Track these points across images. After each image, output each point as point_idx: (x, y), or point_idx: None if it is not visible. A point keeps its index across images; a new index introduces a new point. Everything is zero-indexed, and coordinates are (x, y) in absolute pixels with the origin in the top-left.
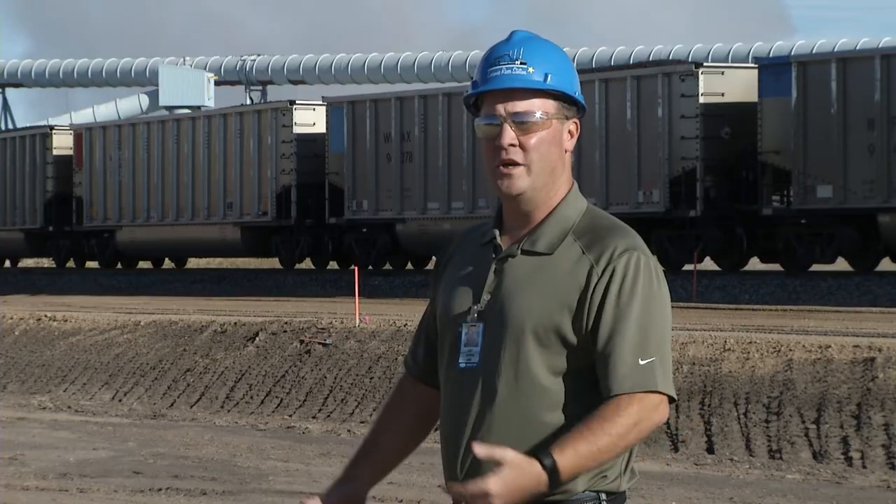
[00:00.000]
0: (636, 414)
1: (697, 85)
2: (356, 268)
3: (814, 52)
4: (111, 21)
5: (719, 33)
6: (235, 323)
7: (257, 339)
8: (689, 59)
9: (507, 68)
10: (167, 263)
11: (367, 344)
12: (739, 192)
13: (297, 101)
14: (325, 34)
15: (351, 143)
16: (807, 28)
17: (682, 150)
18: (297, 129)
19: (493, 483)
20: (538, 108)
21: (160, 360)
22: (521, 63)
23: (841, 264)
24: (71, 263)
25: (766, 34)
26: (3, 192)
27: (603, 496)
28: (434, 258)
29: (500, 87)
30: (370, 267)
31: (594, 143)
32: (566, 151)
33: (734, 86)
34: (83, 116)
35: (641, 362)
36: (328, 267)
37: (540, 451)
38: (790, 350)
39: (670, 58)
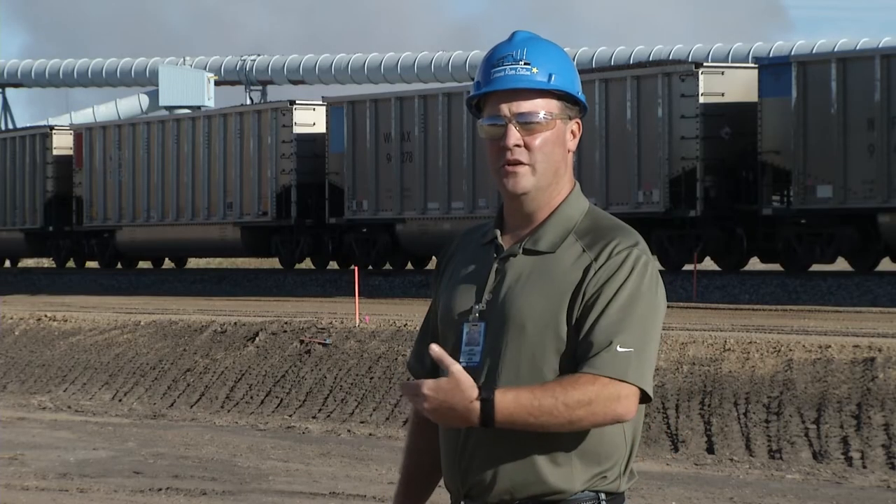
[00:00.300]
0: (593, 393)
1: (697, 85)
2: (356, 268)
3: (814, 52)
4: (111, 21)
5: (719, 33)
6: (235, 323)
7: (257, 339)
8: (689, 59)
9: (511, 69)
10: (167, 263)
11: (367, 344)
12: (739, 192)
13: (297, 101)
14: (325, 34)
15: (351, 143)
16: (807, 28)
17: (682, 150)
18: (297, 129)
19: (427, 385)
20: (542, 108)
21: (160, 360)
22: (525, 63)
23: (841, 264)
24: (71, 263)
25: (766, 34)
26: (3, 192)
27: (602, 496)
28: (434, 258)
29: (505, 87)
30: (370, 267)
31: (594, 143)
32: (569, 151)
33: (734, 86)
34: (83, 116)
35: (618, 349)
36: (328, 267)
37: (486, 386)
38: (790, 350)
39: (670, 58)
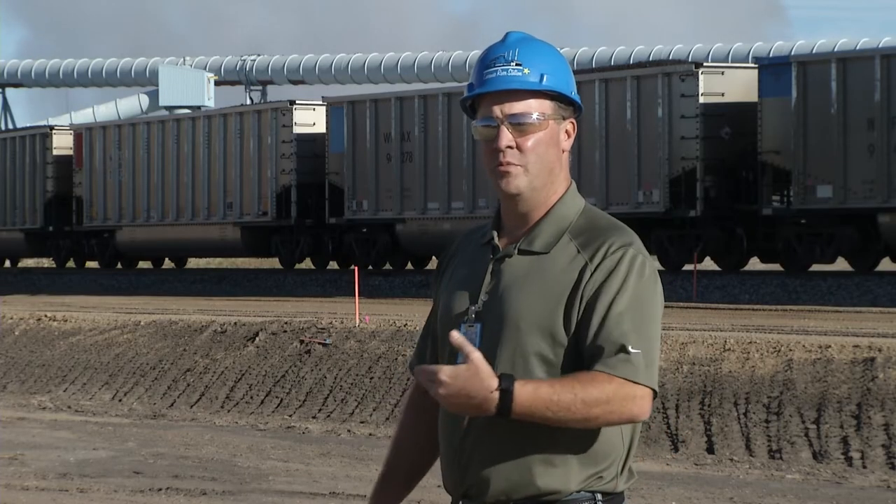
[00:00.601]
0: (610, 392)
1: (697, 85)
2: (356, 268)
3: (814, 52)
4: (111, 21)
5: (719, 33)
6: (235, 323)
7: (257, 339)
8: (689, 59)
9: (503, 70)
10: (167, 263)
11: (367, 344)
12: (739, 192)
13: (297, 101)
14: (323, 31)
15: (351, 143)
16: (807, 28)
17: (682, 150)
18: (297, 129)
19: (445, 371)
20: (535, 109)
21: (160, 360)
22: (517, 64)
23: (841, 264)
24: (71, 263)
25: (766, 34)
26: (3, 192)
27: (599, 496)
28: (434, 258)
29: (496, 88)
30: (370, 267)
31: (594, 143)
32: (563, 151)
33: (734, 86)
34: (83, 116)
35: (630, 350)
36: (328, 267)
37: (505, 375)
38: (790, 350)
39: (670, 58)
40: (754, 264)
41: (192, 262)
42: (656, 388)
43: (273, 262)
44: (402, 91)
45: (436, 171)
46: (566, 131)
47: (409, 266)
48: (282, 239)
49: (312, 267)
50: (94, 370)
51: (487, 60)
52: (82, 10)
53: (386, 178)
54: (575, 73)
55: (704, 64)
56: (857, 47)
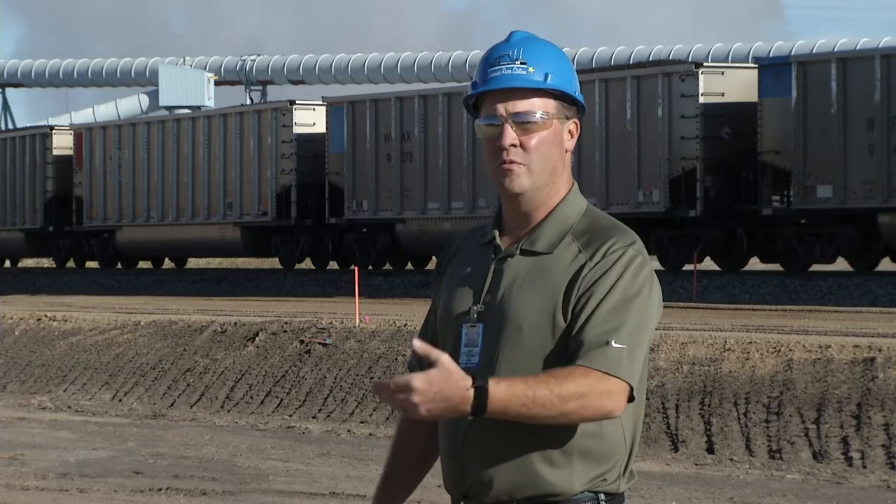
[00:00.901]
0: (586, 386)
1: (697, 85)
2: (356, 268)
3: (814, 52)
4: (111, 20)
5: (719, 33)
6: (235, 323)
7: (257, 339)
8: (689, 59)
9: (508, 68)
10: (167, 263)
11: (367, 344)
12: (739, 192)
13: (297, 101)
14: (325, 34)
15: (351, 143)
16: (807, 28)
17: (682, 150)
18: (297, 129)
19: (418, 378)
20: (539, 107)
21: (160, 360)
22: (521, 63)
23: (841, 264)
24: (71, 263)
25: (766, 34)
26: (3, 192)
27: (602, 496)
28: (434, 258)
29: (500, 86)
30: (370, 267)
31: (594, 143)
32: (566, 151)
33: (734, 86)
34: (83, 116)
35: (613, 344)
36: (328, 267)
37: (478, 375)
38: (790, 350)
39: (670, 58)
40: (754, 264)
41: (192, 262)
42: (635, 388)
43: (273, 262)
44: (402, 91)
45: (436, 171)
46: (569, 131)
47: (409, 266)
48: (282, 239)
49: (312, 267)
50: (94, 370)
51: (492, 59)
52: (82, 10)
53: (386, 178)
54: None
55: (704, 64)
56: (857, 47)
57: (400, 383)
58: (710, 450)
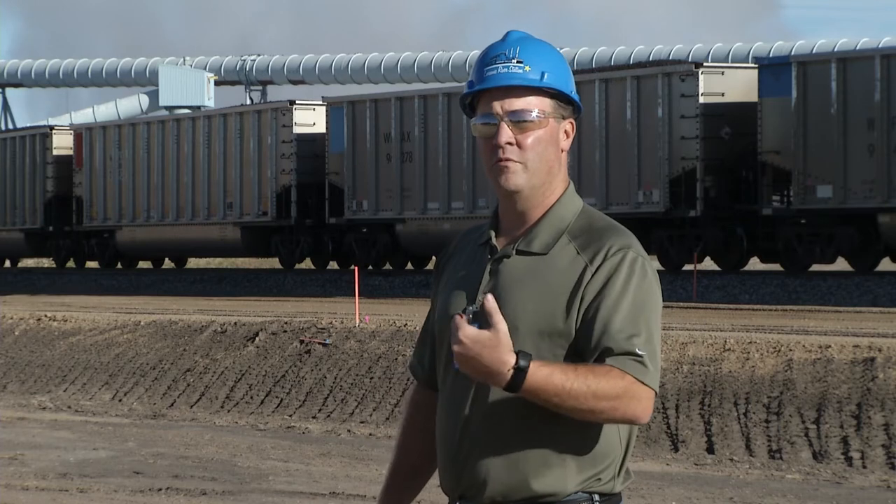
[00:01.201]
0: (622, 389)
1: (697, 85)
2: (356, 268)
3: (814, 52)
4: (110, 20)
5: (719, 33)
6: (235, 323)
7: (257, 339)
8: (689, 59)
9: (504, 67)
10: (167, 263)
11: (367, 344)
12: (739, 192)
13: (297, 101)
14: (325, 33)
15: (351, 143)
16: (807, 28)
17: (682, 150)
18: (297, 129)
19: (468, 332)
20: (535, 106)
21: (160, 360)
22: (518, 62)
23: (841, 264)
24: (71, 263)
25: (765, 34)
26: (3, 192)
27: (596, 497)
28: (434, 258)
29: (496, 85)
30: (370, 267)
31: (594, 143)
32: (562, 151)
33: (734, 86)
34: (83, 116)
35: (638, 352)
36: (328, 267)
37: (524, 353)
38: (790, 350)
39: (670, 58)
40: (754, 264)
41: (192, 262)
42: (657, 391)
43: (273, 262)
44: (402, 91)
45: (436, 171)
46: (565, 131)
47: (409, 266)
48: (282, 239)
49: (312, 267)
50: (94, 370)
51: (488, 58)
52: (81, 10)
53: (386, 178)
54: (575, 73)
55: (704, 64)
56: (857, 47)
57: (456, 324)
58: (710, 450)
